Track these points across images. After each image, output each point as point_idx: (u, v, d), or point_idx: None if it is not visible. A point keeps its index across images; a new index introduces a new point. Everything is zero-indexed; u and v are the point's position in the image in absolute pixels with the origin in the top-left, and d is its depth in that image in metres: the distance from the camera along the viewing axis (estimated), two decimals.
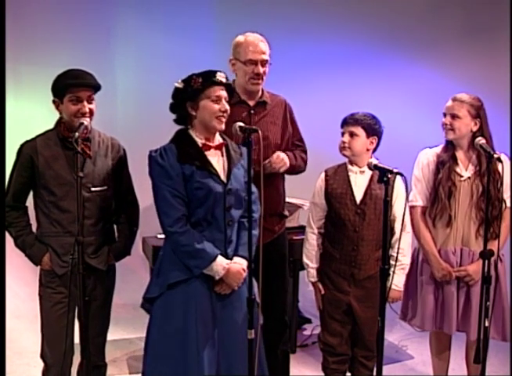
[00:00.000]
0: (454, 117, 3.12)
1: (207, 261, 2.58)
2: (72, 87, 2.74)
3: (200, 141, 2.65)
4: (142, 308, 2.72)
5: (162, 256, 2.69)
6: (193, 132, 2.66)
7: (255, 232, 2.70)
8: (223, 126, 2.67)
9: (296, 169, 3.25)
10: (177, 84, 2.63)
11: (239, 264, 2.66)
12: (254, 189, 2.74)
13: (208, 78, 2.60)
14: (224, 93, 2.65)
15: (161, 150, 2.61)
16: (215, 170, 2.63)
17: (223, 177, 2.64)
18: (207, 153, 2.64)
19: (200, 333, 2.58)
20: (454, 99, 3.15)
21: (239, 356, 2.64)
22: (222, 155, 2.70)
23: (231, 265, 2.63)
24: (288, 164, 3.15)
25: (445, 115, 3.17)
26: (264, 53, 3.10)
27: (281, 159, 3.11)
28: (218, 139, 2.71)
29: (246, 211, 2.68)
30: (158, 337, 2.62)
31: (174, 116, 2.74)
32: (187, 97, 2.62)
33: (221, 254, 2.63)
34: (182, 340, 2.58)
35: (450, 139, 3.17)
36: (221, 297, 2.66)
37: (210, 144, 2.67)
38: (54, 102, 2.81)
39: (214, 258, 2.59)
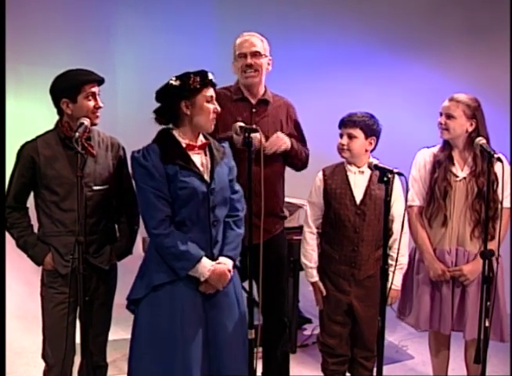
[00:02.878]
0: (449, 117, 3.12)
1: (191, 263, 2.57)
2: (87, 83, 2.76)
3: (183, 141, 2.63)
4: (128, 309, 2.70)
5: (146, 257, 2.69)
6: (177, 132, 2.64)
7: (241, 230, 2.73)
8: (213, 127, 2.68)
9: (298, 156, 3.22)
10: (173, 82, 2.58)
11: (225, 264, 2.65)
12: (238, 187, 2.76)
13: (204, 78, 2.60)
14: (214, 94, 2.66)
15: (144, 151, 2.58)
16: (198, 169, 2.61)
17: (206, 176, 2.62)
18: (190, 152, 2.63)
19: (186, 334, 2.57)
20: (451, 99, 3.15)
21: (228, 355, 2.65)
22: (206, 154, 2.68)
23: (216, 266, 2.62)
24: (289, 144, 3.14)
25: (441, 114, 3.17)
26: (254, 46, 3.12)
27: (281, 138, 3.11)
28: (200, 139, 2.70)
29: (232, 210, 2.72)
30: (144, 338, 2.60)
31: None
32: (183, 95, 2.59)
33: (207, 255, 2.62)
34: (167, 341, 2.57)
35: (445, 138, 3.18)
36: (209, 297, 2.65)
37: (194, 144, 2.65)
38: (63, 103, 2.79)
39: (199, 260, 2.58)
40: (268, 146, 3.06)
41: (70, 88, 2.77)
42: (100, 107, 2.81)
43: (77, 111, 2.78)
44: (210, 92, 2.64)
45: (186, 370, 2.56)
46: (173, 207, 2.58)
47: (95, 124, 2.83)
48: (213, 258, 2.64)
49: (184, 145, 2.62)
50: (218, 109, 2.67)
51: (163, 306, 2.59)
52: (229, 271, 2.65)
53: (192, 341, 2.58)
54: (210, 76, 2.63)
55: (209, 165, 2.66)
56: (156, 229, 2.56)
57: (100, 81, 2.84)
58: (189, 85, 2.57)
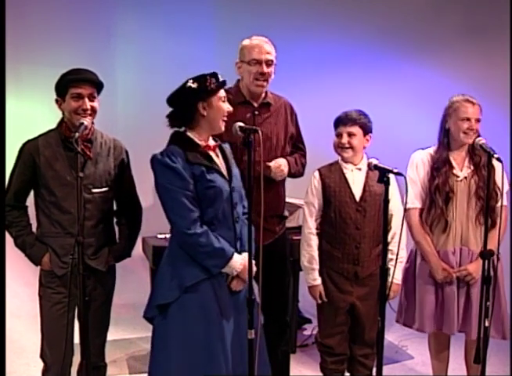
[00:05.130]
0: (478, 120, 3.14)
1: (225, 259, 2.60)
2: (73, 83, 2.75)
3: (200, 142, 2.66)
4: (145, 318, 2.65)
5: (171, 260, 2.64)
6: (193, 134, 2.66)
7: (252, 227, 2.72)
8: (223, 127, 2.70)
9: (295, 175, 3.28)
10: (191, 84, 2.59)
11: None
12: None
13: (218, 79, 2.64)
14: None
15: (168, 153, 2.59)
16: (220, 169, 2.66)
17: (226, 175, 2.67)
18: (209, 153, 2.67)
19: (224, 332, 2.58)
20: (473, 103, 3.14)
21: (245, 355, 2.62)
22: (218, 155, 2.72)
23: (246, 260, 2.62)
24: (286, 173, 3.17)
25: (468, 119, 3.12)
26: (269, 54, 3.11)
27: (281, 170, 3.13)
28: (211, 140, 2.73)
29: (243, 207, 2.74)
30: (182, 342, 2.56)
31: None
32: (201, 97, 2.61)
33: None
34: (207, 341, 2.56)
35: (470, 142, 3.14)
36: (233, 294, 2.67)
37: (210, 145, 2.69)
38: (57, 101, 2.81)
39: (232, 256, 2.61)
40: (268, 172, 3.07)
41: (60, 87, 2.78)
42: (87, 109, 2.76)
43: (66, 111, 2.79)
44: (223, 92, 2.68)
45: (227, 366, 2.57)
46: (200, 207, 2.59)
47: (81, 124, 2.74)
48: (237, 253, 2.66)
49: (202, 146, 2.65)
50: (231, 109, 2.70)
51: (198, 306, 2.57)
52: (254, 264, 2.65)
53: (229, 338, 2.59)
54: (221, 77, 2.66)
55: (224, 164, 2.71)
56: (191, 229, 2.55)
57: (94, 82, 2.80)
58: (207, 87, 2.60)
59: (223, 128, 2.70)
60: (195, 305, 2.58)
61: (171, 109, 2.69)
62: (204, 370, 2.55)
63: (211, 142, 2.71)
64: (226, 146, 2.79)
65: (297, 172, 3.28)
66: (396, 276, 3.00)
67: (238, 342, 2.64)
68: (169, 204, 2.58)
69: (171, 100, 2.67)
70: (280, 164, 3.14)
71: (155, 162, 2.59)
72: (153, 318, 2.64)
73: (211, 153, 2.67)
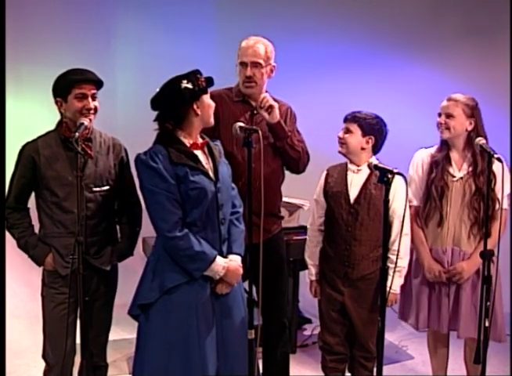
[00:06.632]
0: (449, 116, 3.15)
1: (206, 263, 2.57)
2: (77, 83, 2.74)
3: (187, 141, 2.63)
4: (130, 314, 2.65)
5: (155, 259, 2.63)
6: (181, 133, 2.63)
7: (243, 227, 2.74)
8: None
9: (293, 144, 3.15)
10: (186, 85, 2.56)
11: (236, 261, 2.67)
12: (233, 184, 2.78)
13: (204, 76, 2.63)
14: None
15: (151, 153, 2.55)
16: (205, 169, 2.62)
17: (212, 175, 2.63)
18: (195, 152, 2.63)
19: (202, 335, 2.57)
20: (449, 99, 3.19)
21: (237, 354, 2.65)
22: (205, 153, 2.69)
23: (229, 264, 2.63)
24: (276, 115, 3.04)
25: (440, 115, 3.20)
26: (256, 56, 3.06)
27: (269, 102, 3.03)
28: (199, 138, 2.70)
29: (232, 206, 2.73)
30: (160, 341, 2.57)
31: None
32: (195, 96, 2.59)
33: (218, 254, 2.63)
34: (185, 343, 2.56)
35: (445, 138, 3.19)
36: (218, 297, 2.65)
37: (198, 143, 2.66)
38: (57, 102, 2.80)
39: (214, 259, 2.58)
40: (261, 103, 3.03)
41: (61, 87, 2.77)
42: (91, 108, 2.77)
43: (68, 111, 2.78)
44: None
45: (204, 369, 2.56)
46: (183, 208, 2.56)
47: (82, 124, 2.74)
48: (222, 256, 2.65)
49: (188, 145, 2.62)
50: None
51: (178, 308, 2.56)
52: (240, 267, 2.68)
53: (208, 341, 2.58)
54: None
55: (211, 164, 2.67)
56: (171, 232, 2.53)
57: (96, 82, 2.81)
58: (199, 85, 2.59)
59: (213, 122, 2.70)
60: (175, 308, 2.56)
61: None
62: (180, 372, 2.56)
63: (199, 140, 2.68)
64: (216, 144, 2.76)
65: (298, 150, 3.16)
66: (394, 285, 2.99)
67: (222, 345, 2.63)
68: (151, 205, 2.56)
69: (162, 102, 2.60)
70: (273, 104, 3.04)
71: (138, 162, 2.57)
72: (138, 316, 2.64)
73: (198, 152, 2.63)
